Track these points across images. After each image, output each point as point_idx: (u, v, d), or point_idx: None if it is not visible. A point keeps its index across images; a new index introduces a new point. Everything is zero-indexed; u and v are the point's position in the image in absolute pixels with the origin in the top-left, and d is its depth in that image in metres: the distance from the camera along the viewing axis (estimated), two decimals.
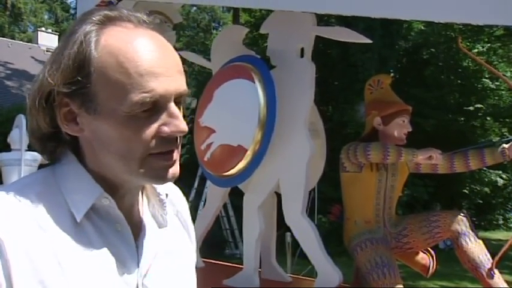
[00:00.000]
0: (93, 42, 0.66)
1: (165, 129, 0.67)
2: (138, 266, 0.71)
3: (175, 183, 0.86)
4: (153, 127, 0.66)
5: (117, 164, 0.68)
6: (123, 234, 0.71)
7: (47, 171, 0.72)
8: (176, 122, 0.67)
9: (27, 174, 0.74)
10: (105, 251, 0.68)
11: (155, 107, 0.66)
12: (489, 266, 2.39)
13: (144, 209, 0.77)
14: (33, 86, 0.70)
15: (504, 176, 12.63)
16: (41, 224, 0.65)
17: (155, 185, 0.78)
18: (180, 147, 0.71)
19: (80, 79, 0.65)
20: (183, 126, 0.68)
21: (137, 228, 0.74)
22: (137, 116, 0.65)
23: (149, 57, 0.66)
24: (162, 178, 0.70)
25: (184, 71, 0.72)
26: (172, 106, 0.68)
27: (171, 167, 0.69)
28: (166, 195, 0.79)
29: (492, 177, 12.37)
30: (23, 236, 0.64)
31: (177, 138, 0.69)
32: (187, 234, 0.86)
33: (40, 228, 0.65)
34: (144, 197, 0.78)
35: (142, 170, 0.67)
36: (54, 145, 0.72)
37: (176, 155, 0.70)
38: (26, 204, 0.66)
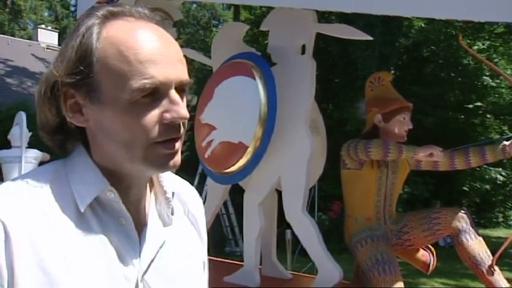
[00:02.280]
0: (95, 33, 0.68)
1: (167, 115, 0.68)
2: (140, 261, 0.72)
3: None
4: (155, 114, 0.68)
5: (120, 152, 0.69)
6: (127, 229, 0.72)
7: (59, 162, 0.74)
8: (177, 108, 0.69)
9: (41, 166, 0.76)
10: (106, 243, 0.69)
11: (156, 94, 0.68)
12: (489, 263, 2.39)
13: (151, 206, 0.78)
14: (41, 80, 0.72)
15: (504, 174, 12.64)
16: (47, 213, 0.67)
17: (163, 183, 0.79)
18: (183, 136, 0.72)
19: (83, 69, 0.67)
20: (184, 112, 0.69)
21: (142, 224, 0.75)
22: (139, 102, 0.67)
23: (149, 45, 0.68)
24: (163, 166, 0.71)
25: None
26: (173, 93, 0.69)
27: (173, 155, 0.71)
28: (173, 194, 0.79)
29: (492, 175, 12.37)
30: (28, 223, 0.65)
31: (179, 126, 0.70)
32: (198, 233, 0.86)
33: (45, 217, 0.66)
34: (152, 194, 0.79)
35: (144, 157, 0.69)
36: (63, 138, 0.74)
37: (179, 145, 0.71)
38: (34, 193, 0.68)
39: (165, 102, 0.68)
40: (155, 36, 0.69)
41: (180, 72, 0.70)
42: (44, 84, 0.70)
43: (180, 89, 0.70)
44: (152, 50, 0.67)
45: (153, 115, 0.68)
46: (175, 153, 0.71)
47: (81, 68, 0.67)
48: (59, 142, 0.74)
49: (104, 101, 0.67)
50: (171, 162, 0.70)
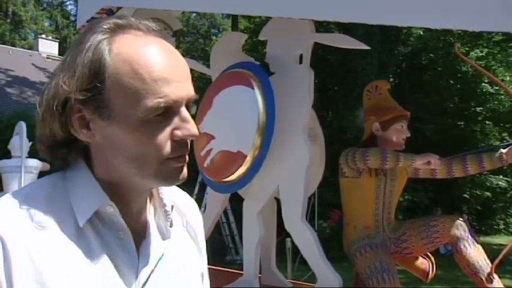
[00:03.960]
0: (107, 49, 0.67)
1: (178, 133, 0.69)
2: (138, 275, 0.72)
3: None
4: (166, 131, 0.69)
5: (130, 168, 0.70)
6: (125, 242, 0.72)
7: (58, 175, 0.74)
8: (188, 125, 0.69)
9: (40, 178, 0.75)
10: (105, 257, 0.69)
11: (168, 112, 0.68)
12: (488, 270, 2.39)
13: (150, 218, 0.78)
14: (44, 95, 0.71)
15: (504, 181, 12.64)
16: (46, 227, 0.67)
17: (162, 196, 0.79)
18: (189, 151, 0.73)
19: (96, 85, 0.67)
20: (195, 130, 0.70)
21: (141, 237, 0.75)
22: (151, 120, 0.67)
23: (162, 63, 0.68)
24: (174, 180, 0.72)
25: None
26: (184, 111, 0.70)
27: (182, 169, 0.72)
28: (172, 207, 0.79)
29: (493, 182, 12.37)
30: (26, 238, 0.65)
31: (188, 142, 0.71)
32: (196, 245, 0.86)
33: (44, 232, 0.66)
34: (152, 207, 0.79)
35: (156, 173, 0.70)
36: (66, 152, 0.73)
37: (186, 158, 0.73)
38: (33, 207, 0.68)
39: (176, 120, 0.69)
40: (166, 53, 0.69)
41: (189, 89, 0.71)
42: (53, 100, 0.69)
43: (188, 105, 0.71)
44: (165, 68, 0.68)
45: (164, 133, 0.68)
46: (183, 166, 0.72)
47: (95, 84, 0.67)
48: (62, 155, 0.74)
49: (114, 118, 0.67)
50: (180, 176, 0.72)
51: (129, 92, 0.66)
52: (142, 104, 0.66)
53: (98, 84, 0.67)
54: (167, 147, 0.69)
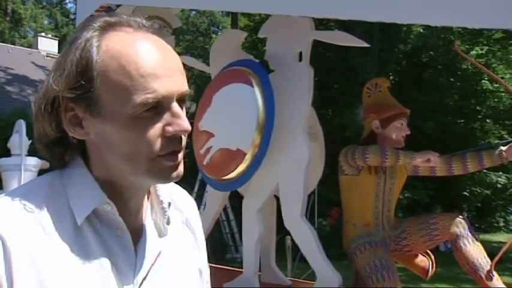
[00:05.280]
0: (95, 47, 0.67)
1: (169, 128, 0.68)
2: (135, 273, 0.72)
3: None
4: (157, 127, 0.68)
5: (123, 165, 0.69)
6: (123, 240, 0.72)
7: (55, 174, 0.74)
8: (179, 121, 0.69)
9: (37, 177, 0.76)
10: (103, 255, 0.69)
11: (158, 108, 0.68)
12: (488, 268, 2.39)
13: (148, 216, 0.78)
14: (38, 93, 0.71)
15: (504, 178, 12.63)
16: (44, 225, 0.67)
17: (159, 193, 0.79)
18: (184, 147, 0.72)
19: (84, 83, 0.67)
20: (187, 125, 0.69)
21: (138, 235, 0.75)
22: (141, 117, 0.67)
23: (150, 58, 0.67)
24: (167, 178, 0.71)
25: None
26: (175, 106, 0.69)
27: (176, 167, 0.71)
28: (169, 204, 0.79)
29: (493, 179, 12.37)
30: (26, 236, 0.65)
31: (181, 138, 0.70)
32: (195, 241, 0.86)
33: (42, 230, 0.67)
34: (149, 204, 0.79)
35: (148, 170, 0.69)
36: (62, 151, 0.73)
37: (181, 156, 0.72)
38: (31, 206, 0.68)
39: (167, 116, 0.68)
40: (155, 49, 0.69)
41: (181, 84, 0.70)
42: (43, 98, 0.69)
43: (181, 100, 0.70)
44: (153, 63, 0.67)
45: (155, 129, 0.68)
46: (178, 164, 0.71)
47: (82, 82, 0.67)
48: (58, 154, 0.73)
49: (105, 115, 0.67)
50: (174, 174, 0.71)
51: (118, 89, 0.66)
52: (131, 100, 0.66)
53: (85, 82, 0.66)
54: (158, 144, 0.68)
